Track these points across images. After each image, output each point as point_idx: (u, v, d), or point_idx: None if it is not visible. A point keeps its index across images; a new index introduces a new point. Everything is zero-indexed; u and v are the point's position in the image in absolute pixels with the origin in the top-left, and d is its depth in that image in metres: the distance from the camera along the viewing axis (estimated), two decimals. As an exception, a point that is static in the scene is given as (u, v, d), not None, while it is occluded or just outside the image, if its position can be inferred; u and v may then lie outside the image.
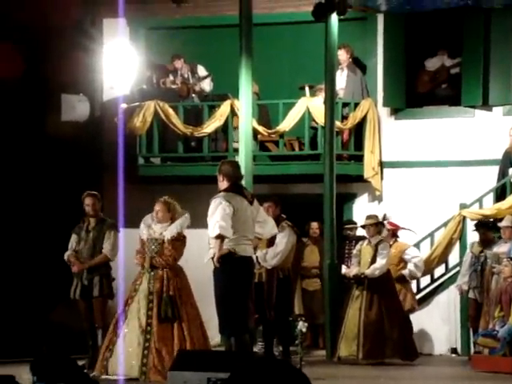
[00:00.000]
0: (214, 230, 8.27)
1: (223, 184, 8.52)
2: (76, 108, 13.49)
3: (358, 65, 13.35)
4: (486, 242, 11.57)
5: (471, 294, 11.62)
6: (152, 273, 9.22)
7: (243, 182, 9.06)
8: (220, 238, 8.28)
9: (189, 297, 9.16)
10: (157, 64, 13.70)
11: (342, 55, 12.73)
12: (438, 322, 12.66)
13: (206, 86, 13.34)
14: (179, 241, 9.23)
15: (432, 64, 13.30)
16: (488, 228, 11.67)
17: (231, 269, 8.32)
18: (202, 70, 13.38)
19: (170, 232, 9.25)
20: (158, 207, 9.38)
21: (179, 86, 13.33)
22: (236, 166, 8.71)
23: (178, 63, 13.32)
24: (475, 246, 11.68)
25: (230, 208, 8.29)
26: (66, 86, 13.48)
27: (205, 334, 9.16)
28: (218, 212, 8.28)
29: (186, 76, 13.39)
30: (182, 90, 13.29)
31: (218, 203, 8.32)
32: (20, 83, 13.29)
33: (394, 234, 11.99)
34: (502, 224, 11.34)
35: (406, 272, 11.98)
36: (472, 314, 11.67)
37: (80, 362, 10.13)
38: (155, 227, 9.36)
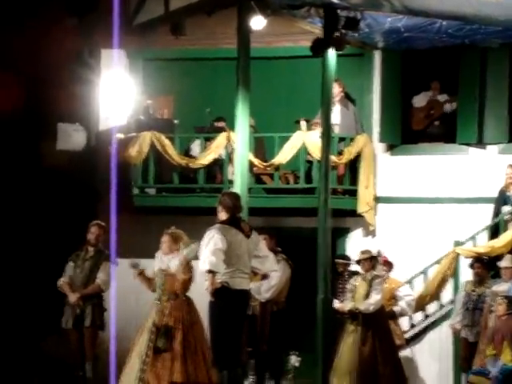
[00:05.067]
0: (204, 265, 8.26)
1: (222, 215, 8.51)
2: (72, 137, 13.52)
3: (351, 100, 13.42)
4: (480, 280, 11.57)
5: (463, 333, 11.60)
6: (159, 304, 9.20)
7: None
8: (211, 272, 8.25)
9: (193, 329, 9.06)
10: (154, 95, 13.73)
11: (334, 89, 12.80)
12: (429, 360, 12.63)
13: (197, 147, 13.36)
14: (186, 272, 9.17)
15: (418, 101, 13.36)
16: (483, 265, 11.67)
17: (225, 302, 8.29)
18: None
19: (174, 263, 9.23)
20: (163, 238, 9.40)
21: None
22: (236, 197, 8.68)
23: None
24: (468, 285, 11.68)
25: (224, 241, 8.26)
26: (62, 115, 13.52)
27: (208, 368, 9.02)
28: (209, 246, 8.25)
29: None
30: None
31: (212, 236, 8.30)
32: (17, 112, 13.32)
33: (389, 269, 11.98)
34: (501, 264, 11.32)
35: (397, 309, 11.95)
36: (463, 353, 11.64)
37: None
38: (164, 259, 9.35)
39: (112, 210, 10.03)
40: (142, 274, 9.53)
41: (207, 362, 9.03)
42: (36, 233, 13.09)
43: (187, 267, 9.22)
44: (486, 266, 11.71)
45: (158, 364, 8.96)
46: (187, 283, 9.21)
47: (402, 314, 12.08)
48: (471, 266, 11.76)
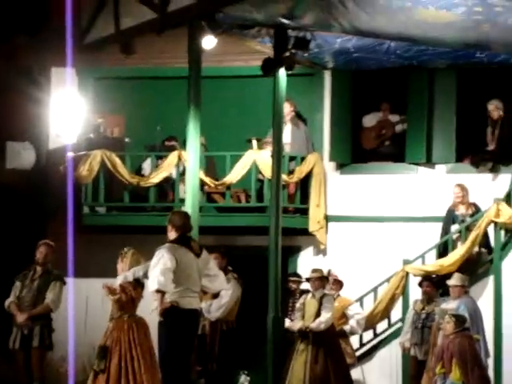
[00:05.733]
0: (153, 285, 8.24)
1: (171, 234, 8.50)
2: (21, 156, 13.42)
3: (302, 119, 13.52)
4: (428, 298, 11.67)
5: (412, 352, 11.67)
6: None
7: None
8: (159, 292, 8.22)
9: (134, 349, 8.94)
10: (104, 113, 13.69)
11: (285, 108, 12.87)
12: (379, 378, 12.68)
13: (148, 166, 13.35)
14: (131, 289, 9.07)
15: (368, 121, 13.50)
16: (432, 284, 11.78)
17: (174, 322, 8.26)
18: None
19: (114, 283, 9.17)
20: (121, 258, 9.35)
21: None
22: (185, 216, 8.67)
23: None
24: (417, 304, 11.77)
25: (173, 261, 8.24)
26: (11, 133, 13.42)
27: None
28: (158, 266, 8.23)
29: None
30: None
31: (161, 256, 8.28)
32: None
33: (339, 288, 12.03)
34: (450, 282, 11.42)
35: (347, 328, 12.00)
36: (412, 371, 11.70)
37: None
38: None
39: (67, 228, 9.98)
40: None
41: (145, 382, 8.89)
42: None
43: (126, 286, 9.08)
44: (435, 285, 11.82)
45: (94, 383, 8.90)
46: (121, 302, 9.05)
47: (353, 333, 12.14)
48: (420, 284, 11.86)
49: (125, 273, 9.10)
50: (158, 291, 8.20)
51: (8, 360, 10.86)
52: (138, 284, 9.09)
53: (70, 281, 10.23)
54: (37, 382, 9.88)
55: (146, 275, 8.64)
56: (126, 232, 12.70)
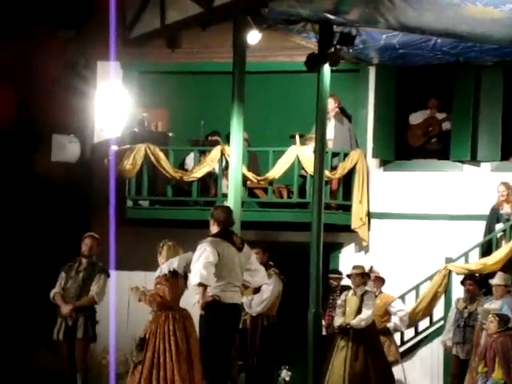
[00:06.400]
0: (195, 278, 8.25)
1: (214, 228, 8.51)
2: (66, 149, 13.52)
3: (346, 115, 13.47)
4: (471, 297, 11.58)
5: (454, 351, 11.60)
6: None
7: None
8: (201, 285, 8.25)
9: (167, 341, 8.94)
10: (148, 107, 13.76)
11: (330, 104, 12.83)
12: (420, 376, 12.62)
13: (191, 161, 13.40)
14: (164, 282, 9.11)
15: (415, 118, 13.41)
16: (475, 282, 11.68)
17: (215, 316, 8.27)
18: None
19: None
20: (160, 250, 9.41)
21: None
22: (228, 211, 8.67)
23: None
24: (460, 302, 11.68)
25: (215, 255, 8.25)
26: (57, 126, 13.54)
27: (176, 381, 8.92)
28: (201, 259, 8.24)
29: None
30: None
31: (203, 250, 8.29)
32: (12, 124, 13.34)
33: (381, 285, 11.99)
34: (493, 282, 11.31)
35: (390, 325, 11.96)
36: (454, 370, 11.62)
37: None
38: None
39: (109, 221, 10.07)
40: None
41: (177, 376, 8.88)
42: (29, 244, 13.08)
43: (163, 278, 9.11)
44: (478, 284, 11.72)
45: (133, 376, 8.96)
46: (164, 292, 9.07)
47: (396, 330, 12.09)
48: (462, 283, 11.77)
49: (161, 266, 9.15)
50: (199, 285, 8.22)
51: (52, 350, 10.99)
52: (176, 276, 9.09)
53: (113, 273, 10.32)
54: (80, 372, 9.97)
55: (184, 267, 8.68)
56: (169, 226, 12.76)
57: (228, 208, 8.88)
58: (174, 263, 9.04)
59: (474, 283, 11.63)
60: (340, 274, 12.47)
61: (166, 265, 9.11)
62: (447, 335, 11.68)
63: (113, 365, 9.17)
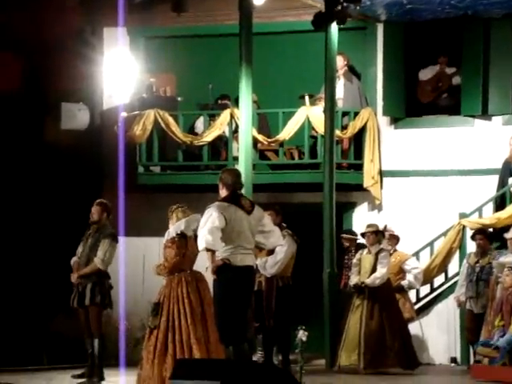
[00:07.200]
0: (201, 243, 8.27)
1: (223, 192, 8.49)
2: (76, 116, 13.50)
3: (355, 73, 13.38)
4: (482, 251, 11.56)
5: (467, 305, 11.61)
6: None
7: (243, 191, 9.03)
8: (208, 250, 8.26)
9: (181, 305, 8.95)
10: (156, 72, 13.71)
11: (339, 62, 12.74)
12: (437, 332, 12.65)
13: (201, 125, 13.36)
14: (170, 245, 9.11)
15: (424, 75, 13.31)
16: (485, 236, 11.66)
17: (227, 279, 8.27)
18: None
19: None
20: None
21: None
22: (236, 174, 8.62)
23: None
24: (471, 257, 11.68)
25: (221, 219, 8.23)
26: (66, 94, 13.51)
27: (191, 344, 8.94)
28: (207, 224, 8.24)
29: None
30: None
31: (209, 215, 8.28)
32: (20, 92, 13.31)
33: (395, 243, 11.99)
34: (508, 235, 11.29)
35: (404, 282, 11.97)
36: (468, 325, 11.65)
37: (80, 371, 10.22)
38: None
39: (119, 188, 10.08)
40: None
41: (192, 338, 8.89)
42: (42, 213, 13.12)
43: (170, 240, 9.11)
44: (488, 237, 11.71)
45: (149, 341, 9.00)
46: (172, 254, 9.05)
47: (411, 287, 12.11)
48: (473, 237, 11.76)
49: (168, 230, 9.16)
50: (206, 250, 8.24)
51: (70, 318, 11.08)
52: (184, 238, 9.07)
53: (123, 240, 10.33)
54: (96, 338, 10.03)
55: (194, 230, 8.71)
56: (181, 191, 12.77)
57: (236, 171, 8.84)
58: (181, 226, 9.05)
59: (484, 237, 11.62)
60: (353, 234, 12.47)
61: (173, 228, 9.12)
62: (460, 290, 11.69)
63: (123, 331, 9.21)
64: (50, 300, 12.44)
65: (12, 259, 12.72)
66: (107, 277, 10.15)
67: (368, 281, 11.05)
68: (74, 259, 10.21)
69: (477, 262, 11.54)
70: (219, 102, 13.38)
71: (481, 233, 11.69)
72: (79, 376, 10.19)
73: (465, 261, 11.82)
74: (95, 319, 10.02)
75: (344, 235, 12.31)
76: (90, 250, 10.08)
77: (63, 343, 11.83)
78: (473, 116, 13.06)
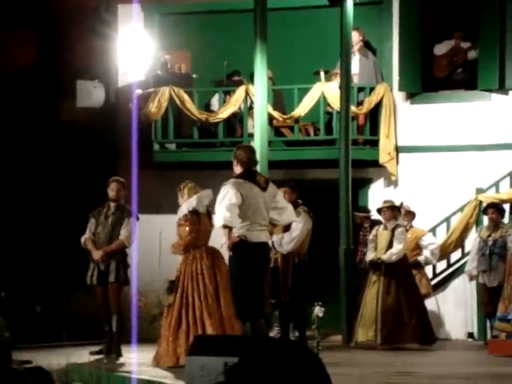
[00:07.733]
0: (219, 220, 8.27)
1: (237, 169, 8.48)
2: (91, 94, 13.49)
3: (370, 49, 13.29)
4: (495, 225, 11.50)
5: (480, 279, 11.58)
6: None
7: (258, 168, 9.02)
8: (226, 227, 8.26)
9: (195, 281, 8.95)
10: (171, 49, 13.66)
11: (354, 37, 12.65)
12: (454, 307, 12.63)
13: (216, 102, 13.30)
14: (183, 223, 9.11)
15: (439, 49, 13.21)
16: (497, 210, 11.59)
17: (244, 256, 8.29)
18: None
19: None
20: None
21: None
22: (250, 151, 8.61)
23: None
24: (483, 231, 11.63)
25: (238, 196, 8.23)
26: (81, 72, 13.50)
27: (204, 321, 8.94)
28: (224, 201, 8.23)
29: None
30: None
31: (226, 192, 8.27)
32: (35, 70, 13.31)
33: (411, 219, 11.95)
34: None
35: (421, 258, 11.95)
36: (483, 299, 11.62)
37: (98, 347, 10.27)
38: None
39: (133, 165, 10.06)
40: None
41: (205, 314, 8.89)
42: (57, 190, 13.15)
43: (182, 219, 9.11)
44: (500, 211, 11.64)
45: (166, 319, 9.03)
46: (185, 232, 9.05)
47: (427, 263, 12.08)
48: (484, 211, 11.70)
49: (180, 207, 9.17)
50: (224, 227, 8.24)
51: (87, 295, 11.11)
52: (197, 214, 9.09)
53: (138, 216, 10.34)
54: (114, 315, 10.07)
55: (206, 206, 8.73)
56: (196, 168, 12.76)
57: (250, 147, 8.83)
58: (193, 202, 9.05)
59: (496, 211, 11.55)
60: (366, 211, 12.42)
61: (184, 205, 9.13)
62: (471, 264, 11.63)
63: (135, 308, 9.24)
64: (67, 276, 12.49)
65: (29, 238, 12.77)
66: (127, 255, 10.21)
67: (384, 257, 11.03)
68: (85, 237, 10.19)
69: (489, 235, 11.48)
70: (232, 78, 13.33)
71: (493, 206, 11.63)
72: (97, 352, 10.25)
73: (476, 235, 11.77)
74: (115, 296, 10.05)
75: (356, 213, 12.27)
76: (112, 229, 10.09)
77: (81, 321, 11.89)
78: (489, 90, 12.96)
